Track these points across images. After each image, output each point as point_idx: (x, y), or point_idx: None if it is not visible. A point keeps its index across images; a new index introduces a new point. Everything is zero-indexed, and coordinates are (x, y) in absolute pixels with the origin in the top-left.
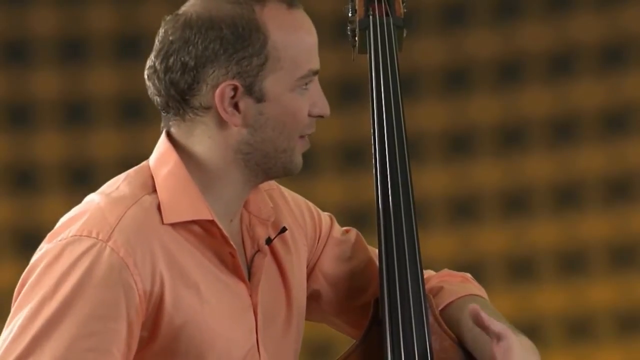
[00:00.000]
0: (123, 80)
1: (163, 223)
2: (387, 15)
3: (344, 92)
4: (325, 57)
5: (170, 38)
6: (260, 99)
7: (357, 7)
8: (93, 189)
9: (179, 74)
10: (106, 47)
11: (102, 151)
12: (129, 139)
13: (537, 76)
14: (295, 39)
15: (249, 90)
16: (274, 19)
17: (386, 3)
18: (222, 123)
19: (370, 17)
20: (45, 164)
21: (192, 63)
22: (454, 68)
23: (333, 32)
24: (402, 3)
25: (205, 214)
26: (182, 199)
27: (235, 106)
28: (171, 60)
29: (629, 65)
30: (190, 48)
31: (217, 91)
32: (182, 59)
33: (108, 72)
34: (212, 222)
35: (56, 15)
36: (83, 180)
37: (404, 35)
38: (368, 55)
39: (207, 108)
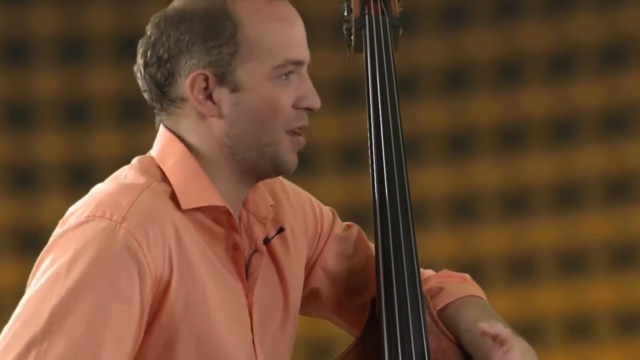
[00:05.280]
0: (123, 80)
1: (179, 209)
2: (382, 14)
3: (343, 91)
4: (325, 57)
5: (148, 33)
6: (234, 88)
7: (352, 6)
8: None
9: (155, 67)
10: (106, 47)
11: (102, 151)
12: (129, 139)
13: (537, 76)
14: (271, 29)
15: (222, 80)
16: (247, 9)
17: (382, 2)
18: (201, 115)
19: (366, 16)
20: (45, 164)
21: (165, 56)
22: (454, 68)
23: (332, 32)
24: (398, 2)
25: (217, 200)
26: (194, 186)
27: (210, 97)
28: (148, 55)
29: (629, 65)
30: (164, 40)
31: (188, 81)
32: (157, 52)
33: (108, 72)
34: (223, 208)
35: (56, 15)
36: (83, 180)
37: (400, 34)
38: (364, 54)
39: (184, 100)
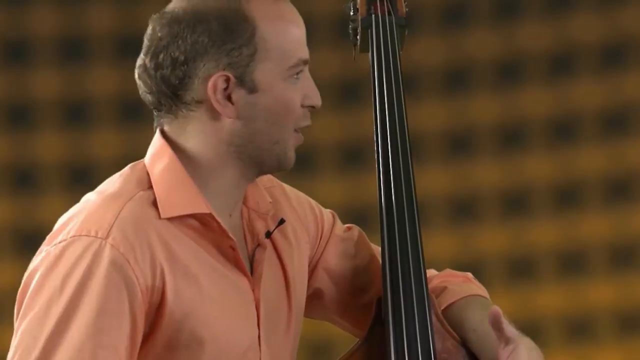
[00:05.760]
0: (123, 80)
1: (160, 218)
2: (389, 14)
3: (344, 91)
4: (325, 56)
5: (159, 35)
6: (252, 89)
7: (358, 6)
8: (93, 189)
9: (169, 69)
10: (106, 47)
11: (102, 151)
12: (129, 139)
13: (537, 76)
14: (283, 29)
15: (241, 81)
16: (260, 10)
17: (388, 2)
18: (215, 116)
19: (373, 15)
20: (45, 164)
21: (182, 58)
22: (454, 68)
23: (333, 31)
24: (404, 2)
25: (202, 208)
26: (178, 194)
27: (228, 98)
28: (161, 56)
29: (629, 65)
30: (180, 43)
31: (210, 83)
32: (172, 54)
33: (108, 72)
34: (209, 215)
35: (56, 15)
36: (83, 180)
37: (406, 34)
38: (370, 54)
39: (200, 102)
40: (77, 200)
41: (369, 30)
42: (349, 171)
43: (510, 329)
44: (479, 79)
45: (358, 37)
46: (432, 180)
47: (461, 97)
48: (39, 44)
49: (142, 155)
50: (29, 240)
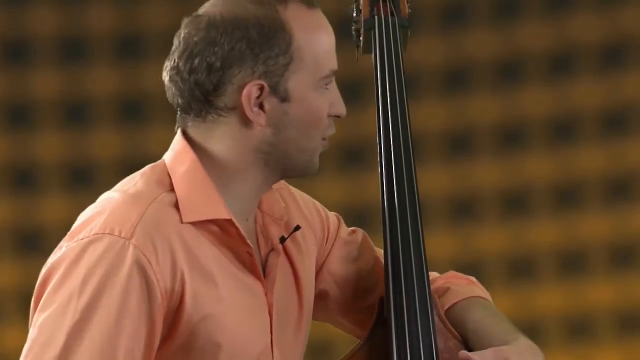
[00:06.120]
0: (123, 80)
1: (182, 222)
2: (392, 15)
3: (344, 92)
4: None
5: (195, 39)
6: (285, 99)
7: (361, 7)
8: (93, 189)
9: (204, 74)
10: (106, 47)
11: (102, 151)
12: (129, 139)
13: (537, 76)
14: (317, 39)
15: (275, 90)
16: (296, 19)
17: (391, 3)
18: (246, 123)
19: (376, 17)
20: (45, 164)
21: (218, 64)
22: (454, 68)
23: (335, 32)
24: (407, 3)
25: (223, 214)
26: (200, 198)
27: (261, 106)
28: (196, 61)
29: (629, 65)
30: (217, 49)
31: (245, 91)
32: (208, 59)
33: (108, 72)
34: (229, 221)
35: (56, 15)
36: (83, 180)
37: (409, 35)
38: (373, 55)
39: (232, 109)
40: (77, 201)
41: (372, 32)
42: (349, 171)
43: (487, 356)
44: (479, 79)
45: (361, 38)
46: (432, 180)
47: (461, 97)
48: (39, 44)
49: (142, 155)
50: (29, 240)
